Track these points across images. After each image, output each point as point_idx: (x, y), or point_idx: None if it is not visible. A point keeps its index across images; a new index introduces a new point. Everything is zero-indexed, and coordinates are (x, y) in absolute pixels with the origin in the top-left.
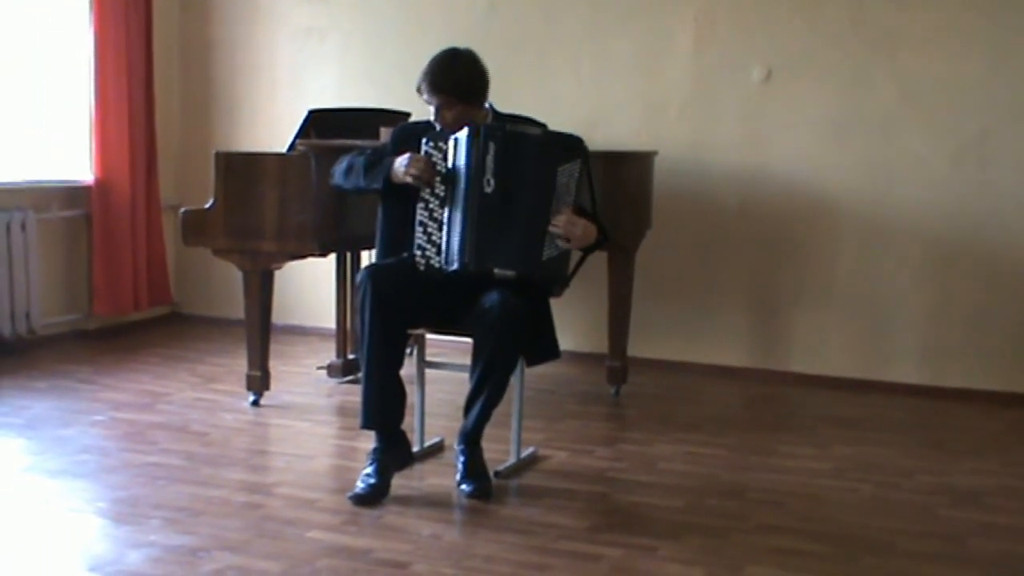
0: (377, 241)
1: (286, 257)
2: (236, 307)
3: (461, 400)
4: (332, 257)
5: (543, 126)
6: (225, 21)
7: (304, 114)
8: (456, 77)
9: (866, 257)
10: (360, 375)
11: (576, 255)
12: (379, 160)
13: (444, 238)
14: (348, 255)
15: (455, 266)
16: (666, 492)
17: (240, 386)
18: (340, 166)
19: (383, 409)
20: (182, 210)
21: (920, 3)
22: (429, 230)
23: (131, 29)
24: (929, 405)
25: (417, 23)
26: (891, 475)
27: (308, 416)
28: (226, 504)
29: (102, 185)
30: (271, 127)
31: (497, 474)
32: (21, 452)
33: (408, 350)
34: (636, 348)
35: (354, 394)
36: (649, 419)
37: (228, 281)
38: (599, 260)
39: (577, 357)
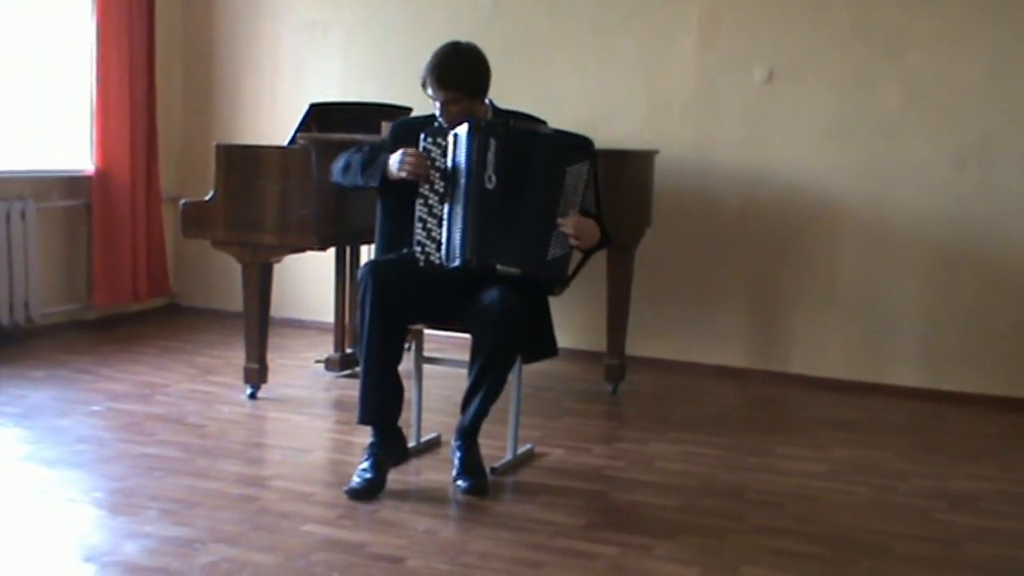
0: (376, 237)
1: (286, 250)
2: (235, 299)
3: (458, 396)
4: (331, 251)
5: (543, 123)
6: (228, 13)
7: (305, 108)
8: (463, 72)
9: (867, 259)
10: (358, 370)
11: (577, 255)
12: (376, 157)
13: (445, 234)
14: (348, 249)
15: (457, 262)
16: (663, 491)
17: (238, 378)
18: (338, 164)
19: (381, 405)
20: (182, 202)
21: (923, 5)
22: (428, 226)
23: (133, 19)
24: (927, 409)
25: (420, 18)
26: (888, 478)
27: (305, 410)
28: (222, 496)
29: (102, 175)
30: (272, 120)
31: (494, 470)
32: (18, 441)
33: (406, 346)
34: (635, 347)
35: (351, 388)
36: (647, 418)
37: (227, 273)
38: (599, 258)
39: (575, 355)
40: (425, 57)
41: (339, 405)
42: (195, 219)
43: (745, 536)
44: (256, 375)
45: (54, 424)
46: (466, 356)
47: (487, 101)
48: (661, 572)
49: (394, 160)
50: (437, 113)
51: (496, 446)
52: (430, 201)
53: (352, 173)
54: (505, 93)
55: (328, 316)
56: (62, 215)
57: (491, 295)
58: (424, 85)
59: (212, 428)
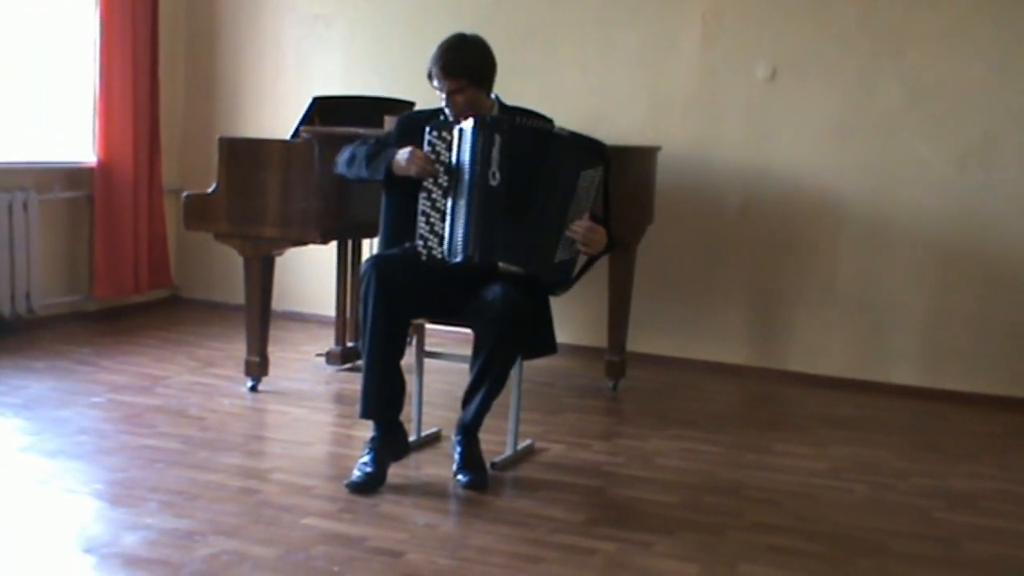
0: (380, 230)
1: (287, 243)
2: (236, 292)
3: (459, 391)
4: (333, 244)
5: (549, 120)
6: (231, 5)
7: (308, 101)
8: (469, 60)
9: (867, 258)
10: (359, 363)
11: (581, 259)
12: (381, 150)
13: (447, 229)
14: (349, 243)
15: (459, 258)
16: (662, 488)
17: (239, 371)
18: (343, 155)
19: (382, 399)
20: (184, 194)
21: (927, 5)
22: (431, 220)
23: (137, 11)
24: (927, 407)
25: (423, 12)
26: (887, 476)
27: (306, 403)
28: (222, 489)
29: (105, 167)
30: (275, 113)
31: (493, 466)
32: (18, 432)
33: (407, 340)
34: (635, 343)
35: (352, 382)
36: (647, 414)
37: (229, 266)
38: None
39: (576, 351)
40: (428, 51)
41: (340, 399)
42: (197, 212)
43: (744, 533)
44: (257, 368)
45: (55, 415)
46: (467, 351)
47: (494, 96)
48: (660, 568)
49: (401, 157)
50: (443, 104)
51: (496, 441)
52: (433, 195)
53: (357, 165)
54: (508, 88)
55: (329, 309)
56: (64, 207)
57: (493, 291)
58: (430, 76)
59: (213, 420)
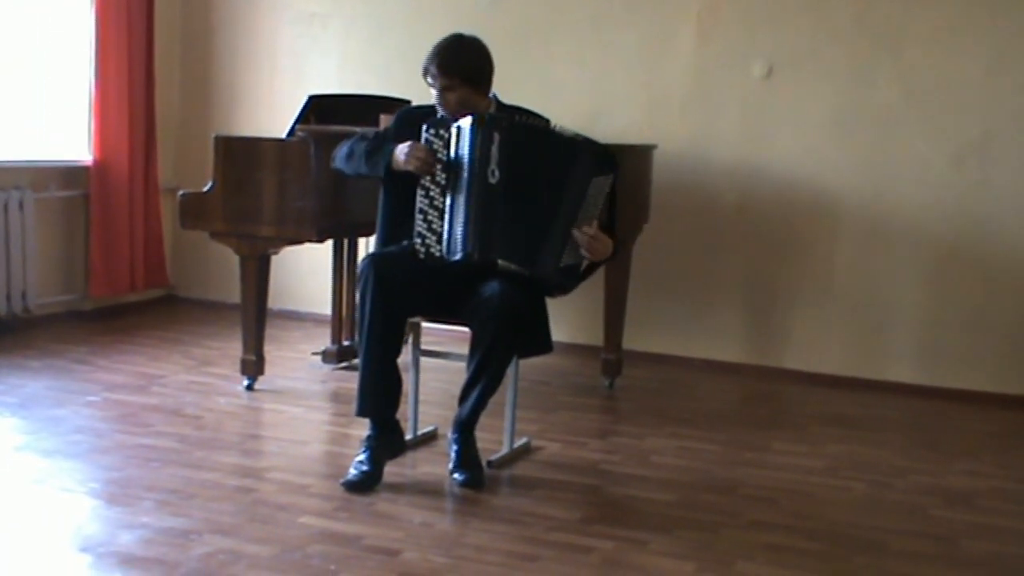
0: (378, 227)
1: (283, 242)
2: (232, 291)
3: (455, 389)
4: (329, 243)
5: (546, 120)
6: (227, 4)
7: (304, 99)
8: (463, 59)
9: (864, 256)
10: (355, 362)
11: (583, 264)
12: (380, 146)
13: (446, 227)
14: (346, 241)
15: (458, 256)
16: (659, 486)
17: (235, 370)
18: (341, 151)
19: (379, 398)
20: (180, 193)
21: (924, 2)
22: (429, 218)
23: (132, 10)
24: (924, 405)
25: (419, 11)
26: (884, 474)
27: (302, 401)
28: (218, 488)
29: (101, 166)
30: (271, 112)
31: (490, 464)
32: (14, 431)
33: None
34: (631, 341)
35: (348, 380)
36: (643, 412)
37: (225, 265)
38: None
39: (572, 349)
40: (424, 50)
41: (336, 397)
42: (193, 210)
43: (740, 531)
44: (253, 367)
45: (51, 414)
46: (463, 349)
47: (492, 96)
48: (656, 566)
49: (400, 152)
50: (435, 101)
51: (492, 440)
52: (431, 193)
53: (356, 161)
54: (504, 86)
55: (325, 308)
56: (60, 205)
57: (491, 288)
58: (425, 73)
59: (209, 419)
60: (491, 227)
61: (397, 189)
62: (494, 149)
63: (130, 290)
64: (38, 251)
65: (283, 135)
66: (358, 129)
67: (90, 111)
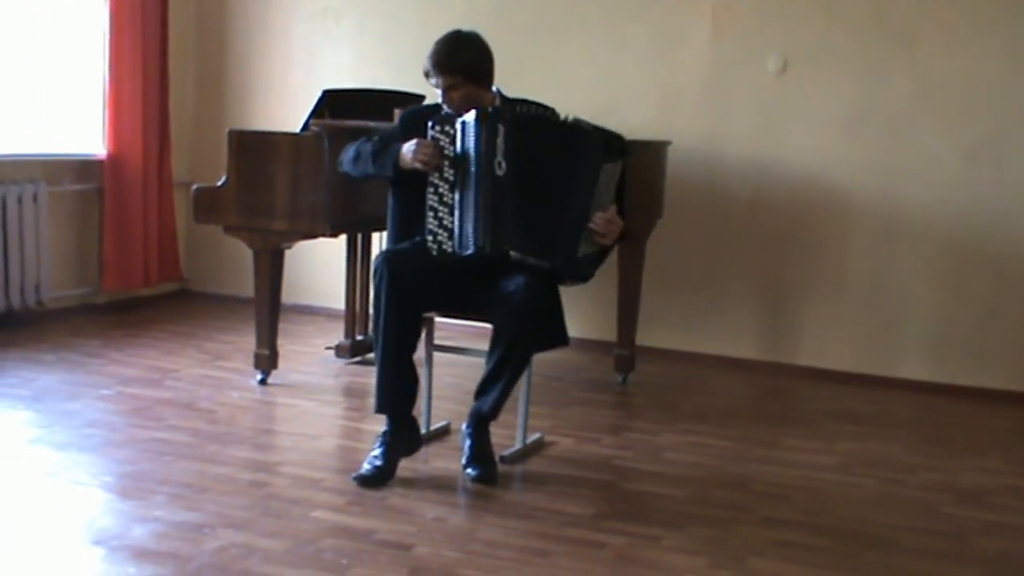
0: (388, 227)
1: (297, 237)
2: (246, 285)
3: (468, 384)
4: (343, 237)
5: (551, 110)
6: None
7: (318, 94)
8: (463, 57)
9: (877, 252)
10: (368, 356)
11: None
12: (387, 146)
13: (456, 222)
14: (359, 236)
15: (470, 250)
16: (671, 482)
17: (248, 364)
18: (348, 153)
19: (395, 395)
20: (194, 187)
21: None
22: (440, 215)
23: (147, 4)
24: (936, 402)
25: (433, 5)
26: (896, 471)
27: (315, 396)
28: (231, 482)
29: (114, 160)
30: (285, 106)
31: (502, 459)
32: (28, 424)
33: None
34: (644, 337)
35: (362, 375)
36: (656, 408)
37: (238, 259)
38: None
39: (585, 345)
40: None
41: (349, 392)
42: (207, 204)
43: (752, 527)
44: (266, 361)
45: (64, 408)
46: (476, 344)
47: (495, 89)
48: (668, 562)
49: (407, 150)
50: (440, 100)
51: (505, 435)
52: (440, 189)
53: (363, 163)
54: (517, 81)
55: (339, 303)
56: (74, 199)
57: (516, 283)
58: (427, 74)
59: (222, 413)
60: (501, 219)
61: (406, 189)
62: (499, 141)
63: (143, 284)
64: (52, 245)
65: (297, 129)
66: (372, 123)
67: (104, 105)
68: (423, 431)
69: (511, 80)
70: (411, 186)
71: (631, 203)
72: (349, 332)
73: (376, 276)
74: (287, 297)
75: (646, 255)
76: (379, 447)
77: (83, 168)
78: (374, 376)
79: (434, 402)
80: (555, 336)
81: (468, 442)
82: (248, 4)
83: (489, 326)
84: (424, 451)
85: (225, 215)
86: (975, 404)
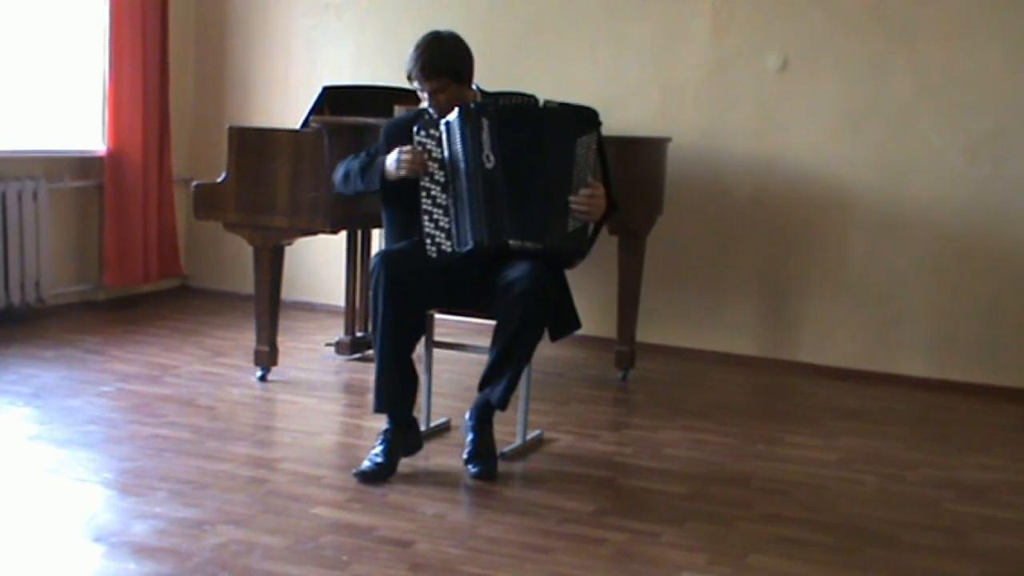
0: (384, 238)
1: (297, 233)
2: (246, 282)
3: (469, 380)
4: (343, 234)
5: (533, 98)
6: None
7: (318, 90)
8: (447, 59)
9: (877, 249)
10: (368, 353)
11: (590, 226)
12: (372, 161)
13: (452, 221)
14: (359, 232)
15: (469, 246)
16: (671, 478)
17: (248, 361)
18: (338, 174)
19: (394, 394)
20: (194, 183)
21: None
22: (435, 217)
23: (147, 1)
24: (937, 399)
25: (434, 1)
26: (896, 468)
27: (315, 392)
28: (231, 478)
29: (115, 156)
30: (284, 102)
31: (503, 456)
32: (28, 421)
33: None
34: (645, 334)
35: (362, 372)
36: (656, 405)
37: (238, 255)
38: (610, 244)
39: (586, 341)
40: None
41: (349, 388)
42: (207, 201)
43: (753, 524)
44: (266, 357)
45: (64, 404)
46: (476, 340)
47: (475, 87)
48: (668, 558)
49: (391, 161)
50: (427, 105)
51: (505, 431)
52: (433, 192)
53: (352, 180)
54: (516, 77)
55: (339, 299)
56: (74, 195)
57: (520, 269)
58: (410, 78)
59: (222, 410)
60: (496, 211)
61: (398, 199)
62: (484, 135)
63: (144, 280)
64: (52, 241)
65: (297, 126)
66: (372, 120)
67: (104, 101)
68: (423, 428)
69: (510, 77)
70: (402, 196)
71: (632, 198)
72: (349, 329)
73: (373, 276)
74: (287, 294)
75: (646, 251)
76: (380, 444)
77: (83, 165)
78: (372, 375)
79: (434, 399)
80: (568, 321)
81: (471, 436)
82: (249, 0)
83: (489, 322)
84: (424, 448)
85: (225, 212)
86: (976, 400)
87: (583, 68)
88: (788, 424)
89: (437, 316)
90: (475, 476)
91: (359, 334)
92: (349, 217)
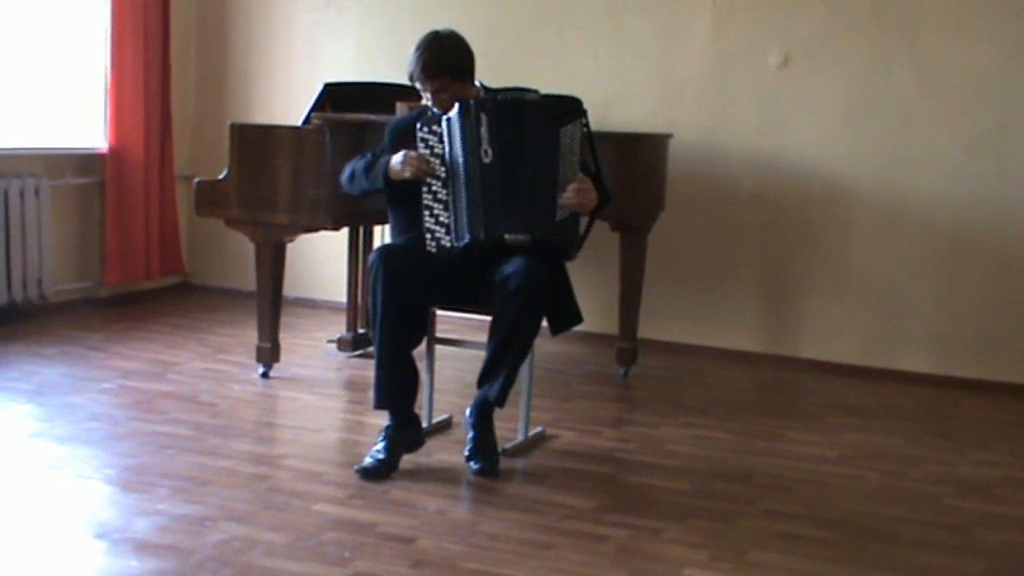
0: (390, 235)
1: (299, 230)
2: (248, 278)
3: (470, 377)
4: (344, 231)
5: (535, 92)
6: None
7: (320, 87)
8: (448, 58)
9: (879, 245)
10: (370, 350)
11: (584, 218)
12: (377, 160)
13: (451, 216)
14: (361, 229)
15: (466, 240)
16: (673, 475)
17: (250, 357)
18: (345, 174)
19: (394, 391)
20: (196, 180)
21: None
22: (436, 212)
23: None
24: (938, 395)
25: None
26: (898, 464)
27: (317, 389)
28: (233, 475)
29: (116, 153)
30: (286, 99)
31: (504, 452)
32: (30, 418)
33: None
34: (646, 330)
35: (363, 368)
36: (658, 401)
37: (240, 252)
38: (611, 241)
39: (587, 337)
40: None
41: (351, 385)
42: (209, 198)
43: (754, 520)
44: (268, 354)
45: (66, 401)
46: (477, 337)
47: (478, 83)
48: (670, 555)
49: (395, 162)
50: (429, 103)
51: (507, 428)
52: (434, 187)
53: (358, 180)
54: (518, 74)
55: (341, 296)
56: (76, 193)
57: (515, 264)
58: (412, 79)
59: (224, 407)
60: (492, 206)
61: (402, 198)
62: (483, 130)
63: (145, 277)
64: (54, 238)
65: (298, 123)
66: (374, 117)
67: (106, 99)
68: (425, 424)
69: (510, 74)
70: (407, 195)
71: (634, 195)
72: (351, 325)
73: (372, 272)
74: (289, 290)
75: (648, 248)
76: (382, 441)
77: (85, 162)
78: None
79: (436, 395)
80: (569, 315)
81: (472, 433)
82: None
83: (490, 319)
84: (426, 444)
85: (227, 208)
86: (978, 396)
87: (584, 65)
88: (790, 420)
89: (439, 313)
90: (476, 473)
91: (361, 331)
92: (351, 213)
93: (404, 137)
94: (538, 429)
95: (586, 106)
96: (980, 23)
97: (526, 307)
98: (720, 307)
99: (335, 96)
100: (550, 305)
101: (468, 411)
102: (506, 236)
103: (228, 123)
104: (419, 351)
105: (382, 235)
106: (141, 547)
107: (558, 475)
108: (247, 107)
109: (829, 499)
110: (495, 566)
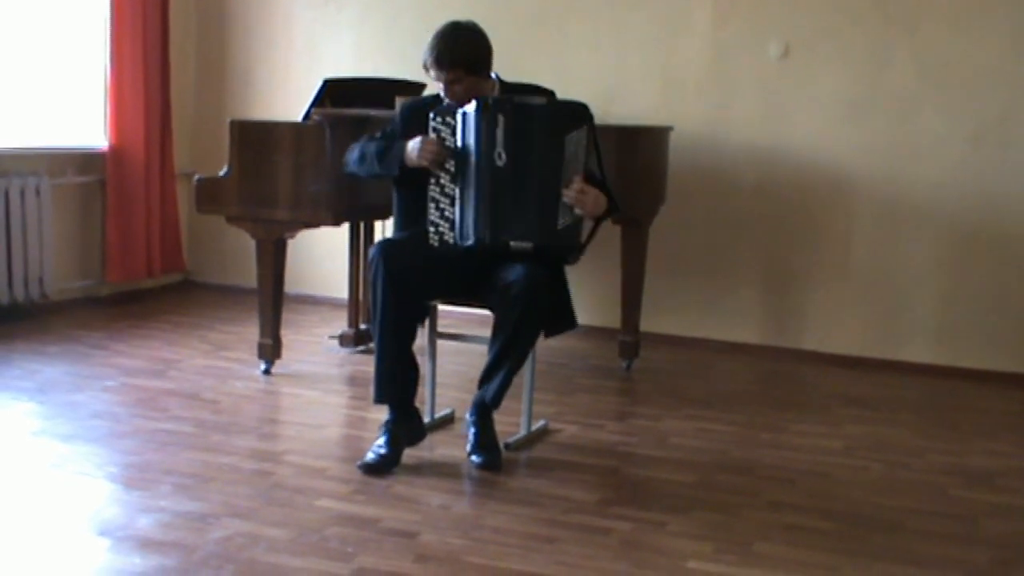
0: (394, 222)
1: (299, 226)
2: (249, 275)
3: (472, 372)
4: (345, 227)
5: (551, 93)
6: None
7: (319, 83)
8: (463, 50)
9: (881, 236)
10: (371, 345)
11: (589, 223)
12: (390, 145)
13: (457, 213)
14: (362, 225)
15: (470, 241)
16: (676, 467)
17: (251, 354)
18: (353, 154)
19: (395, 385)
20: (196, 177)
21: None
22: (441, 206)
23: None
24: (943, 385)
25: None
26: (902, 454)
27: (319, 385)
28: (236, 471)
29: (117, 151)
30: (286, 96)
31: (507, 446)
32: (32, 416)
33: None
34: (649, 323)
35: (365, 364)
36: (661, 394)
37: (241, 249)
38: (613, 234)
39: (590, 331)
40: None
41: (353, 381)
42: (209, 195)
43: (758, 512)
44: (270, 351)
45: (69, 399)
46: (480, 332)
47: (494, 76)
48: (674, 548)
49: (412, 148)
50: (442, 94)
51: (510, 422)
52: (442, 180)
53: (369, 163)
54: (520, 68)
55: (342, 292)
56: (76, 191)
57: (516, 271)
58: (426, 67)
59: (226, 403)
60: (501, 210)
61: (411, 184)
62: (499, 132)
63: (147, 275)
64: (55, 237)
65: (298, 119)
66: (373, 112)
67: (106, 97)
68: (427, 419)
69: (512, 68)
70: (415, 182)
71: (635, 188)
72: (352, 321)
73: (371, 266)
74: (290, 287)
75: (650, 241)
76: (383, 435)
77: (85, 160)
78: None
79: (438, 390)
80: (564, 320)
81: (472, 430)
82: None
83: (491, 313)
84: (428, 439)
85: (227, 205)
86: (982, 387)
87: (585, 57)
88: (793, 412)
89: (440, 308)
90: (479, 467)
91: (362, 326)
92: (351, 209)
93: (415, 122)
94: (541, 423)
95: (588, 101)
96: (981, 13)
97: (526, 314)
98: (722, 299)
99: (335, 92)
100: (547, 308)
101: (468, 410)
102: (511, 243)
103: (228, 120)
104: (420, 346)
105: (383, 230)
106: (144, 544)
107: (561, 468)
108: (247, 104)
109: (833, 490)
110: (499, 560)
